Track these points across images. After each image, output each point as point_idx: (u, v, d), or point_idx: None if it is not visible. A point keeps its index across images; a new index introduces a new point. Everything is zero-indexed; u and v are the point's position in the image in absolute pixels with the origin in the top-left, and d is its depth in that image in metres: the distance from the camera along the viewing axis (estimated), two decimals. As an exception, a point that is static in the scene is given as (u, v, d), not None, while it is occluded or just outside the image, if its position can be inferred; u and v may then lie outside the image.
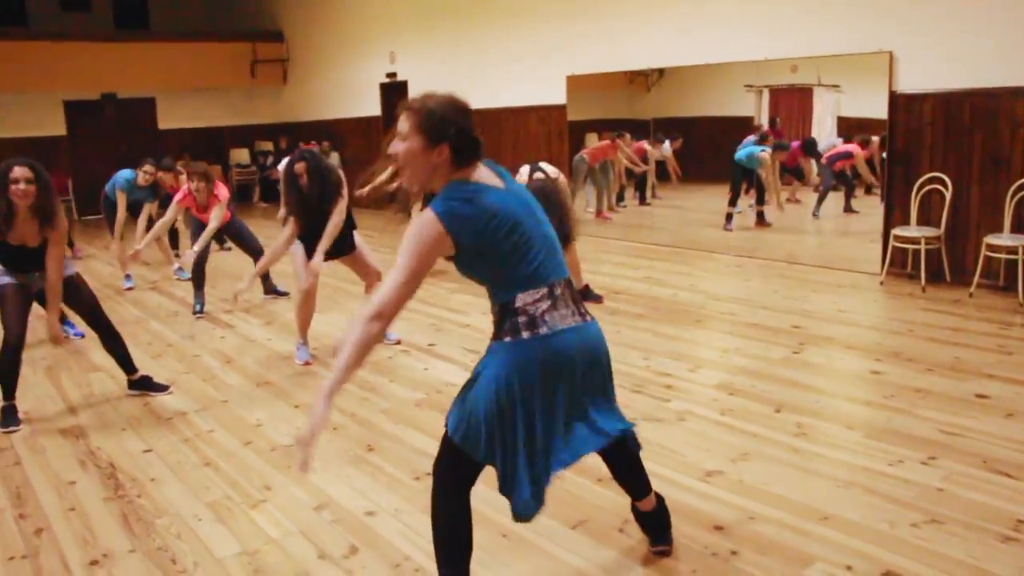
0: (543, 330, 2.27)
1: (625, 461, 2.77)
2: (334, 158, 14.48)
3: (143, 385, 4.98)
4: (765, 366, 4.91)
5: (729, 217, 9.44)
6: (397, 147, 2.26)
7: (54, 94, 14.08)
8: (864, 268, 7.29)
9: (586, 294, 6.49)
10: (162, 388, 4.98)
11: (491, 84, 10.87)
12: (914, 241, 6.65)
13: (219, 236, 8.29)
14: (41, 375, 5.46)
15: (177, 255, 8.94)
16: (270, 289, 7.51)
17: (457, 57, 11.67)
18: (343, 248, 5.50)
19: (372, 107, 13.60)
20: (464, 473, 2.48)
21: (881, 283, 6.86)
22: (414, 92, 9.96)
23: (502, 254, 2.24)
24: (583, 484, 3.45)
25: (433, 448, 3.93)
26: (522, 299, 2.27)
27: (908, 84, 6.84)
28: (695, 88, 9.97)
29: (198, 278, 7.03)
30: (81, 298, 4.84)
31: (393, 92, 12.92)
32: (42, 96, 13.78)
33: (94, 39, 14.56)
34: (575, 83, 10.16)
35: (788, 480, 3.42)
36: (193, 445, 4.15)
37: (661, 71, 9.81)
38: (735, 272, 7.70)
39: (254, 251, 7.19)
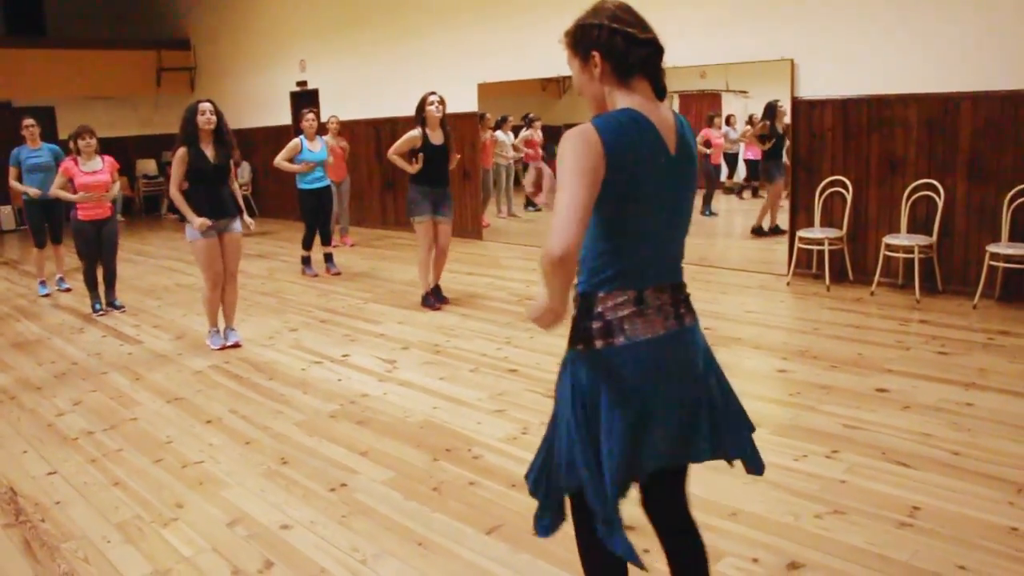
0: (619, 340, 1.91)
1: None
2: (244, 168, 14.24)
3: None
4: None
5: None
6: (574, 82, 2.01)
7: (-57, 102, 13.47)
8: (770, 269, 7.52)
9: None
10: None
11: (402, 91, 10.84)
12: (818, 242, 6.89)
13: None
14: (-66, 397, 5.22)
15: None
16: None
17: (368, 64, 11.62)
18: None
19: (283, 115, 13.41)
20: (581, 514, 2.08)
21: (788, 283, 7.10)
22: (325, 100, 10.04)
23: (613, 223, 1.88)
24: (498, 490, 3.47)
25: (349, 459, 3.93)
26: (603, 301, 1.92)
27: (809, 91, 7.10)
28: (608, 94, 10.14)
29: (90, 277, 7.17)
30: None
31: (303, 100, 12.76)
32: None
33: (-15, 44, 13.98)
34: (490, 88, 10.21)
35: (697, 478, 3.45)
36: (101, 465, 4.02)
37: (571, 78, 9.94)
38: (649, 275, 7.83)
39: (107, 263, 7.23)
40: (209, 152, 5.60)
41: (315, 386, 5.05)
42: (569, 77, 9.85)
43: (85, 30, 16.02)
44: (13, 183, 7.83)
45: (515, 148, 10.92)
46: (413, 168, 6.57)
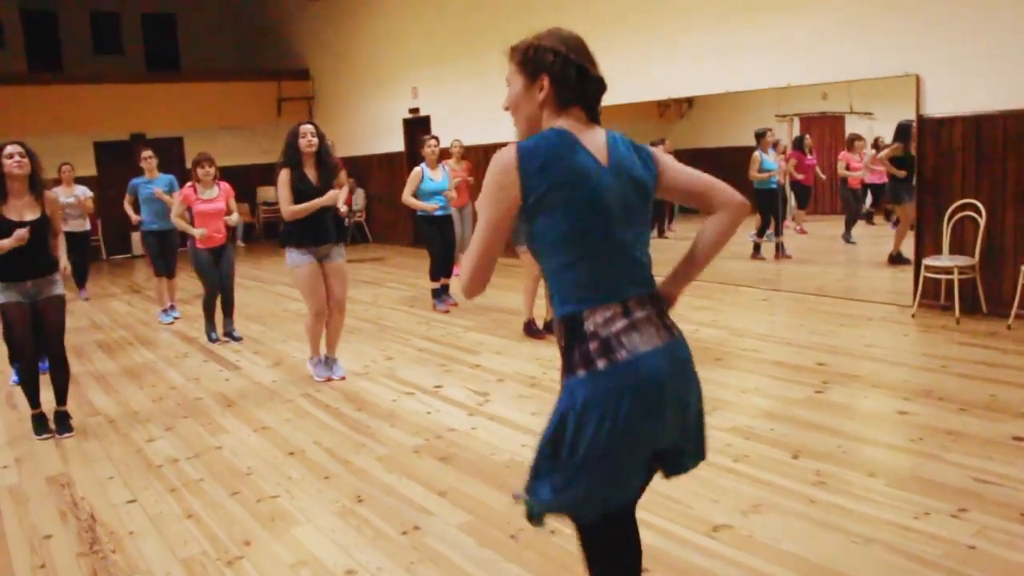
0: (622, 354, 1.84)
1: None
2: (359, 194, 14.49)
3: (59, 419, 5.03)
4: (785, 407, 4.62)
5: (757, 247, 9.20)
6: (508, 95, 2.03)
7: (86, 135, 14.28)
8: (896, 300, 6.96)
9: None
10: (68, 430, 5.00)
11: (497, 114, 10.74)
12: (947, 271, 6.32)
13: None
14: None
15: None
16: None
17: (478, 89, 11.59)
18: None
19: (396, 143, 13.58)
20: (594, 548, 2.08)
21: (913, 316, 6.54)
22: (436, 125, 10.00)
23: (568, 237, 1.86)
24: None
25: (426, 499, 3.75)
26: (591, 319, 1.86)
27: (936, 108, 6.56)
28: (726, 118, 9.77)
29: (209, 304, 7.27)
30: (52, 318, 4.89)
31: (416, 127, 12.88)
32: (74, 138, 13.96)
33: (126, 81, 14.80)
34: (603, 113, 9.96)
35: (801, 536, 3.14)
36: (179, 495, 3.98)
37: (690, 101, 9.63)
38: (761, 306, 7.41)
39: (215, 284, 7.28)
40: (311, 175, 5.54)
41: (403, 418, 4.91)
42: (687, 101, 9.74)
43: (214, 63, 16.80)
44: (127, 207, 8.14)
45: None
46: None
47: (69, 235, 9.55)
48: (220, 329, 7.35)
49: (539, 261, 1.97)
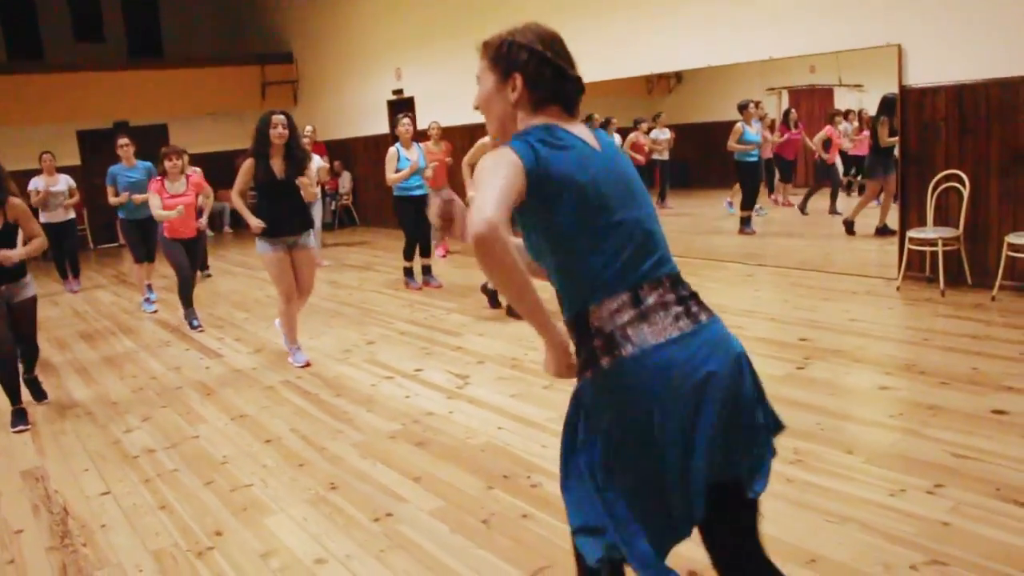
0: (628, 350, 1.69)
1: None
2: (345, 177, 14.40)
3: (32, 386, 5.32)
4: (765, 384, 4.56)
5: (746, 221, 9.17)
6: (479, 94, 1.92)
7: (68, 124, 14.14)
8: (881, 273, 6.92)
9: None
10: (43, 396, 5.35)
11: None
12: (931, 243, 6.27)
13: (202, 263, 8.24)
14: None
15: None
16: None
17: (462, 70, 11.44)
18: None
19: (381, 125, 13.46)
20: None
21: (897, 288, 6.49)
22: (421, 107, 9.92)
23: (574, 227, 1.73)
24: (552, 525, 3.17)
25: (400, 485, 3.71)
26: (596, 313, 1.72)
27: (919, 78, 6.49)
28: (715, 92, 9.70)
29: (186, 294, 7.23)
30: (24, 320, 5.00)
31: (400, 108, 12.77)
32: (56, 127, 13.82)
33: (108, 69, 14.63)
34: (592, 89, 9.86)
35: (776, 516, 3.09)
36: (153, 486, 3.93)
37: (679, 76, 9.55)
38: (745, 281, 7.36)
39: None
40: (277, 167, 5.48)
41: (381, 403, 4.87)
42: (676, 75, 9.64)
43: (197, 49, 16.61)
44: (113, 200, 8.02)
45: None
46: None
47: (53, 226, 9.49)
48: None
49: (541, 260, 1.84)
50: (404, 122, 8.15)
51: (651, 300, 1.73)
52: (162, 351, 6.62)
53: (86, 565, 3.22)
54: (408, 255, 8.39)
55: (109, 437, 4.69)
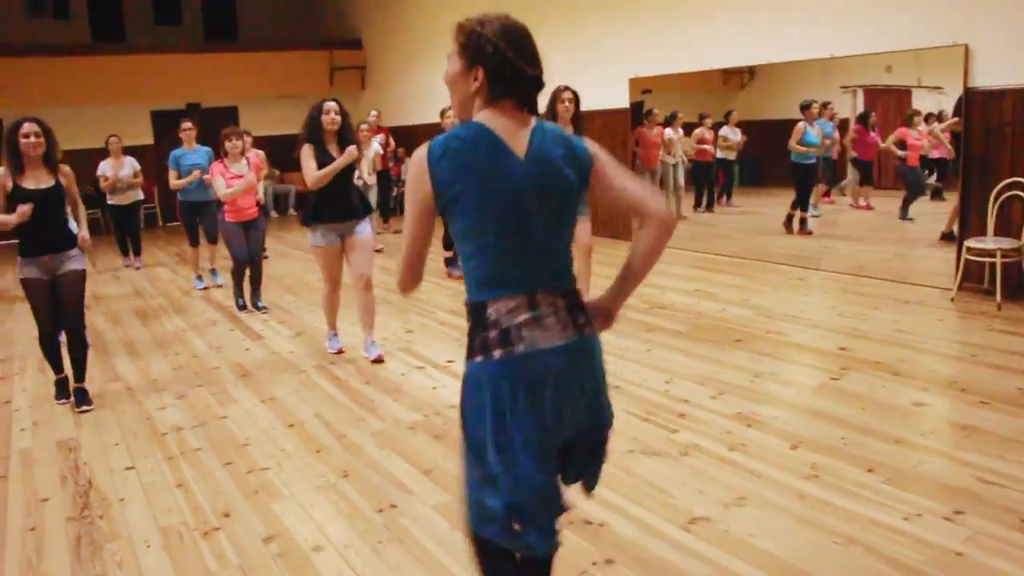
0: (519, 348, 1.84)
1: None
2: (407, 164, 14.48)
3: (79, 396, 5.00)
4: (795, 394, 4.46)
5: (804, 221, 8.92)
6: (447, 72, 2.00)
7: (143, 105, 14.57)
8: (938, 283, 6.66)
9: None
10: (87, 404, 4.96)
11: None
12: (990, 253, 6.00)
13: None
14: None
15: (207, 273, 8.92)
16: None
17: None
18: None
19: (446, 112, 13.50)
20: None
21: (952, 299, 6.24)
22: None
23: (478, 229, 1.86)
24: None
25: (409, 477, 3.73)
26: (495, 307, 1.87)
27: (986, 80, 6.21)
28: (787, 89, 9.44)
29: (238, 274, 7.36)
30: (68, 292, 4.89)
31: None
32: (131, 107, 14.26)
33: (184, 51, 15.03)
34: (661, 83, 9.74)
35: (780, 533, 3.01)
36: (175, 464, 4.03)
37: (752, 71, 9.35)
38: (795, 285, 7.17)
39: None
40: (333, 152, 5.49)
41: (408, 393, 4.89)
42: (749, 71, 9.42)
43: (270, 32, 16.92)
44: (174, 183, 8.21)
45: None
46: None
47: (119, 208, 9.82)
48: (249, 298, 7.44)
49: (456, 245, 1.94)
50: (449, 113, 8.17)
51: (545, 309, 1.89)
52: (208, 330, 6.77)
53: (98, 537, 3.31)
54: (447, 244, 8.45)
55: (143, 413, 4.82)
